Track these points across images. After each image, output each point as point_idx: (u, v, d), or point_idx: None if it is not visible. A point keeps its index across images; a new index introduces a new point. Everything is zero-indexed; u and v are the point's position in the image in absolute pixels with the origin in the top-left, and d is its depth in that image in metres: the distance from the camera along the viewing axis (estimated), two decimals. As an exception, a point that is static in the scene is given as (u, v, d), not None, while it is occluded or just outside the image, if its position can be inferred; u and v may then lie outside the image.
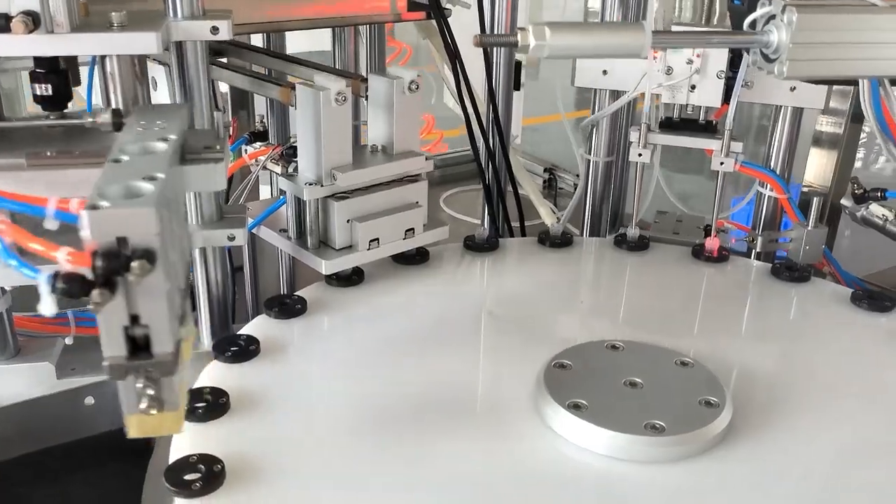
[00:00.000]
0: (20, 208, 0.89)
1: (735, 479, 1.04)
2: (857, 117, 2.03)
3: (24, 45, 1.09)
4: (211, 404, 1.11)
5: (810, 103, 1.63)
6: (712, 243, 1.61)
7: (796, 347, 1.36)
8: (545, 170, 2.79)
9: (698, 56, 1.55)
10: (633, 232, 1.66)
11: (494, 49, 1.80)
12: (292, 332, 1.33)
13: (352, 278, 1.48)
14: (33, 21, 1.09)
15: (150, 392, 0.86)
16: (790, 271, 1.54)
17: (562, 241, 1.66)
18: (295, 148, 1.64)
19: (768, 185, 1.72)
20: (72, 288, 0.78)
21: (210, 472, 0.98)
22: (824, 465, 1.07)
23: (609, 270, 1.63)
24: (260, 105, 1.87)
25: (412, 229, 1.51)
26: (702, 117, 1.62)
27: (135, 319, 0.83)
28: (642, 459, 1.04)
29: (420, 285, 1.51)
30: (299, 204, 1.47)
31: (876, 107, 1.27)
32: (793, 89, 1.63)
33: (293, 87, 1.44)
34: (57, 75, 1.18)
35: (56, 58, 1.17)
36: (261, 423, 1.11)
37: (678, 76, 1.57)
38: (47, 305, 0.80)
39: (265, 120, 1.78)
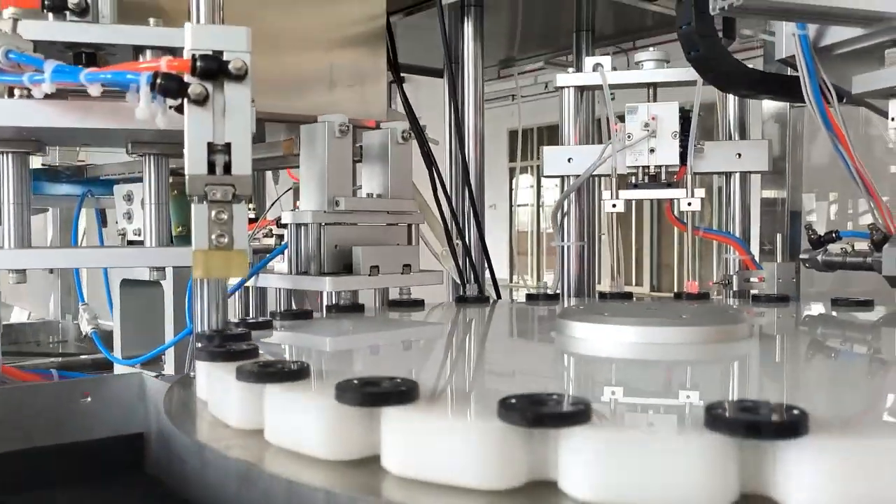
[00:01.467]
0: (113, 77, 0.94)
1: (765, 355, 1.06)
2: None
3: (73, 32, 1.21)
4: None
5: (755, 166, 1.83)
6: (691, 285, 1.69)
7: (794, 323, 1.41)
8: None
9: (654, 119, 1.75)
10: (615, 284, 1.74)
11: (466, 152, 1.98)
12: (308, 326, 1.31)
13: (353, 308, 1.50)
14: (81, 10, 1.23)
15: (223, 217, 0.88)
16: (769, 297, 1.62)
17: (550, 297, 1.72)
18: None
19: (732, 249, 1.85)
20: (170, 84, 0.86)
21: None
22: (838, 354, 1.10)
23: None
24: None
25: (409, 266, 1.57)
26: (664, 178, 1.78)
27: (213, 148, 0.90)
28: (680, 341, 1.04)
29: (422, 316, 1.53)
30: (301, 238, 1.51)
31: (819, 107, 1.46)
32: (739, 155, 1.83)
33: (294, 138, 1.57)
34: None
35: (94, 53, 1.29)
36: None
37: (637, 138, 1.76)
38: (143, 108, 0.86)
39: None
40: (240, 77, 0.89)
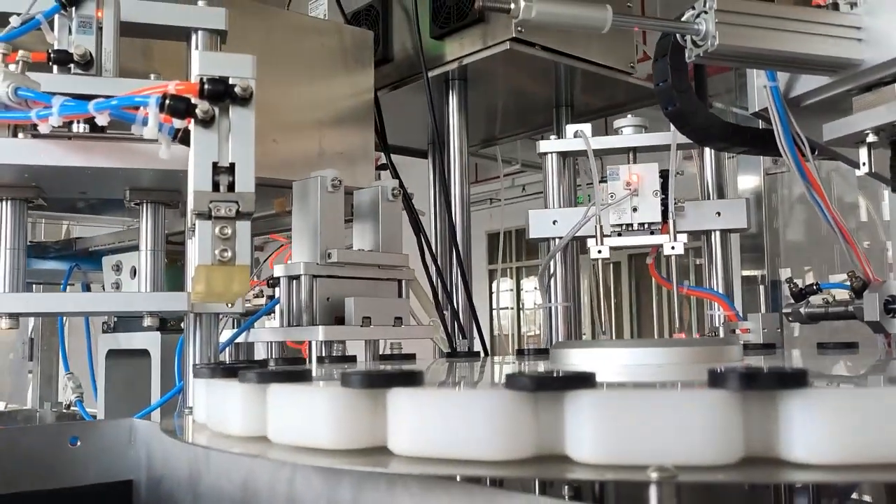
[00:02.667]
0: (120, 102, 0.98)
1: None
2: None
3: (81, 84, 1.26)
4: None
5: (734, 224, 1.88)
6: (679, 335, 1.71)
7: (784, 360, 1.43)
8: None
9: (636, 177, 1.81)
10: (603, 337, 1.75)
11: (452, 214, 2.03)
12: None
13: (344, 359, 1.50)
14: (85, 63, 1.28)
15: (227, 232, 0.91)
16: (756, 345, 1.64)
17: (539, 351, 1.73)
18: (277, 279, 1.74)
19: (716, 305, 1.88)
20: (178, 105, 0.90)
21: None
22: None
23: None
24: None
25: (400, 318, 1.58)
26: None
27: (218, 169, 0.94)
28: (675, 361, 1.06)
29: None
30: (292, 291, 1.53)
31: (793, 156, 1.52)
32: (718, 214, 1.88)
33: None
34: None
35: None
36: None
37: (620, 197, 1.81)
38: (151, 127, 0.90)
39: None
40: (245, 100, 0.93)
